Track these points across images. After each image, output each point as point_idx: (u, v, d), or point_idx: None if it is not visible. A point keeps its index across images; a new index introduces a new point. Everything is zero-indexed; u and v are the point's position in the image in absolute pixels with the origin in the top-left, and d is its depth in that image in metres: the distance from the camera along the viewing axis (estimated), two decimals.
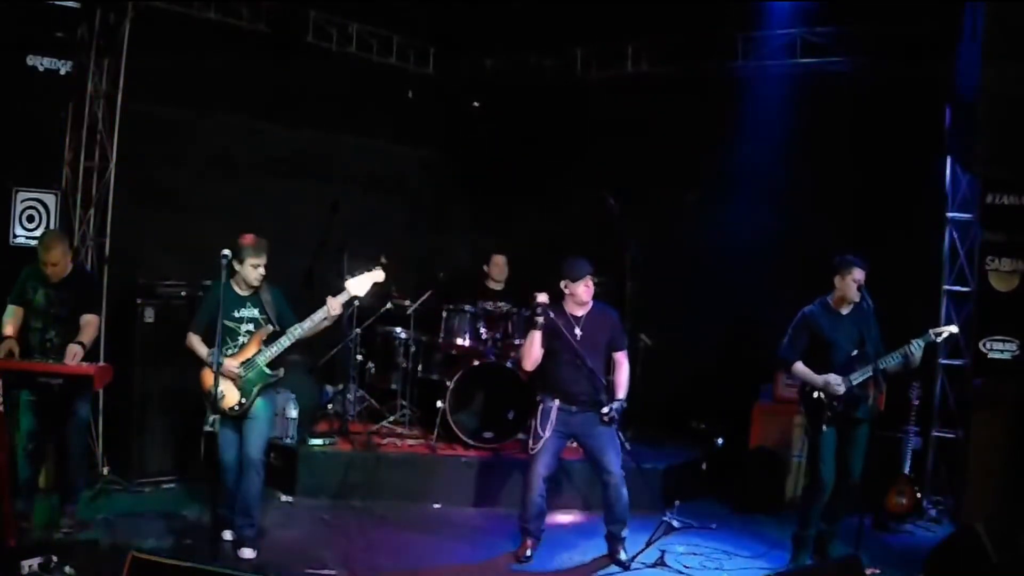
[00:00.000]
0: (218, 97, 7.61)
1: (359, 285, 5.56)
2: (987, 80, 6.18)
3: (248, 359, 5.38)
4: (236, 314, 5.41)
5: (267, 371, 5.41)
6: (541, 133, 8.87)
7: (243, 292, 5.45)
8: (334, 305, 5.41)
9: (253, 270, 5.36)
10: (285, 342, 5.40)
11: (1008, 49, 6.12)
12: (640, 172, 8.29)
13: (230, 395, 5.35)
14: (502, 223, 9.12)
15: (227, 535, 5.52)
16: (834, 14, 7.43)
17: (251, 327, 5.44)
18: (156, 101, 7.14)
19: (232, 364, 5.32)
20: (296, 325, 5.42)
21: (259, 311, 5.46)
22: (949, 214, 7.01)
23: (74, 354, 5.26)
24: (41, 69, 6.36)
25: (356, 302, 6.92)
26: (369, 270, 5.61)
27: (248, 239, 5.39)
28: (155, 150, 7.28)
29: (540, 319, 5.53)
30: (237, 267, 5.36)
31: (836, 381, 5.44)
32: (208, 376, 5.27)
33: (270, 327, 5.44)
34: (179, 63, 7.11)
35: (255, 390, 5.39)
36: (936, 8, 6.77)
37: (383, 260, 7.56)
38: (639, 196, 7.90)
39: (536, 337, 5.57)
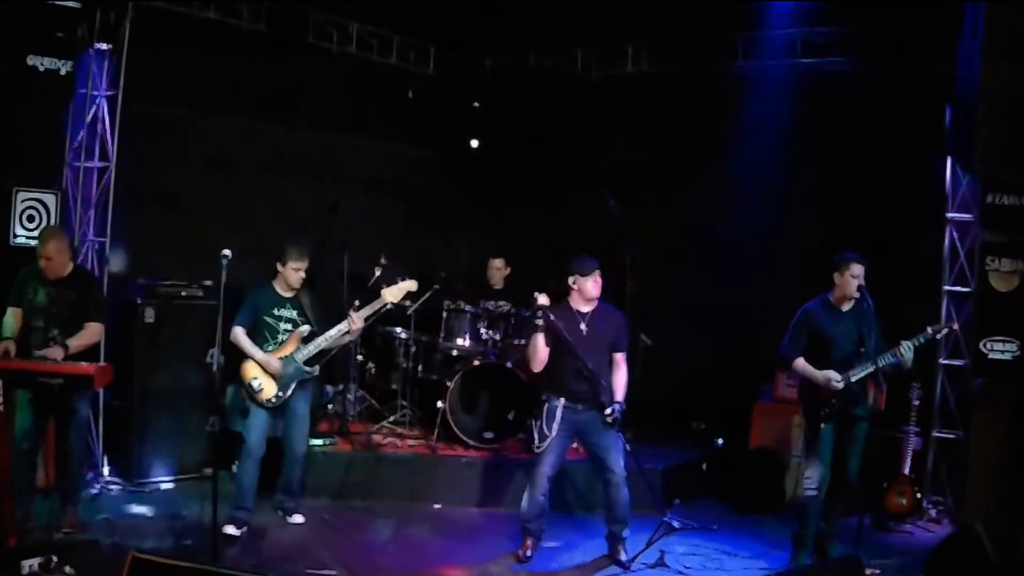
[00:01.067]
0: (218, 97, 7.61)
1: (394, 293, 5.97)
2: (987, 80, 6.18)
3: (286, 355, 5.78)
4: (276, 313, 5.85)
5: (304, 368, 5.81)
6: (541, 133, 8.87)
7: (284, 293, 5.88)
8: (355, 320, 5.84)
9: (294, 273, 5.79)
10: (322, 343, 5.82)
11: (1008, 49, 6.12)
12: (640, 172, 8.29)
13: (268, 388, 5.74)
14: (502, 223, 9.13)
15: (229, 529, 5.58)
16: (834, 14, 7.43)
17: (289, 327, 5.85)
18: (156, 101, 7.14)
19: (273, 360, 5.73)
20: (322, 335, 5.83)
21: (298, 313, 5.89)
22: (949, 214, 7.01)
23: (54, 356, 5.19)
24: (41, 69, 6.36)
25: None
26: (403, 279, 6.01)
27: (292, 244, 5.83)
28: (155, 150, 7.28)
29: (539, 321, 5.54)
30: (280, 269, 5.82)
31: (836, 378, 5.45)
32: (248, 368, 5.75)
33: (307, 327, 5.84)
34: (179, 63, 7.10)
35: (293, 384, 5.78)
36: (936, 8, 6.77)
37: (383, 260, 7.62)
38: (639, 196, 7.90)
39: (539, 339, 5.57)
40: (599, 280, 5.64)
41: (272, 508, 6.04)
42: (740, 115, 7.80)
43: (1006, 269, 6.78)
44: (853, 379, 5.45)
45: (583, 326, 5.58)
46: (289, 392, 5.78)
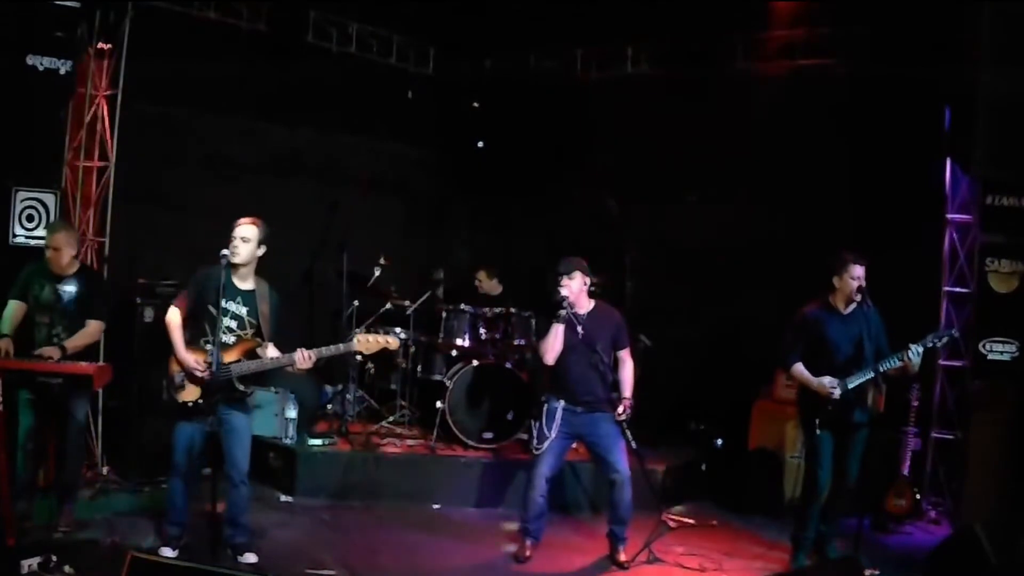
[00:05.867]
0: (218, 97, 7.61)
1: (368, 345, 5.19)
2: (987, 81, 6.18)
3: (225, 364, 5.03)
4: (223, 304, 5.05)
5: (236, 384, 5.06)
6: (541, 133, 8.87)
7: (239, 284, 5.16)
8: (305, 359, 5.05)
9: (235, 240, 5.10)
10: (267, 364, 5.08)
11: (1008, 51, 6.13)
12: (640, 172, 8.30)
13: (190, 388, 5.08)
14: (502, 223, 9.13)
15: (165, 552, 5.18)
16: (834, 15, 7.43)
17: (234, 324, 5.11)
18: (156, 101, 7.15)
19: (190, 360, 5.04)
20: (265, 358, 5.10)
21: (248, 311, 5.15)
22: (949, 215, 7.02)
23: (49, 355, 5.19)
24: (41, 69, 6.35)
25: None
26: (387, 334, 5.23)
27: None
28: (155, 150, 7.28)
29: (563, 312, 5.52)
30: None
31: (832, 384, 5.40)
32: (174, 362, 5.10)
33: (253, 337, 5.16)
34: (179, 63, 7.10)
35: (218, 396, 5.02)
36: (936, 9, 6.77)
37: (382, 260, 7.61)
38: (639, 196, 7.91)
39: (559, 331, 5.55)
40: (566, 283, 5.55)
41: (224, 540, 5.23)
42: (740, 115, 7.80)
43: (1005, 270, 6.78)
44: (851, 385, 5.40)
45: (579, 328, 5.58)
46: (211, 401, 4.99)
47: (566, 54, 8.92)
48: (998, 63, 6.21)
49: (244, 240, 5.12)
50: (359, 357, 7.53)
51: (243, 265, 5.15)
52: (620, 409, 5.51)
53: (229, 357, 5.08)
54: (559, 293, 5.54)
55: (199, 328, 5.13)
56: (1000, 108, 6.21)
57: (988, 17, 6.34)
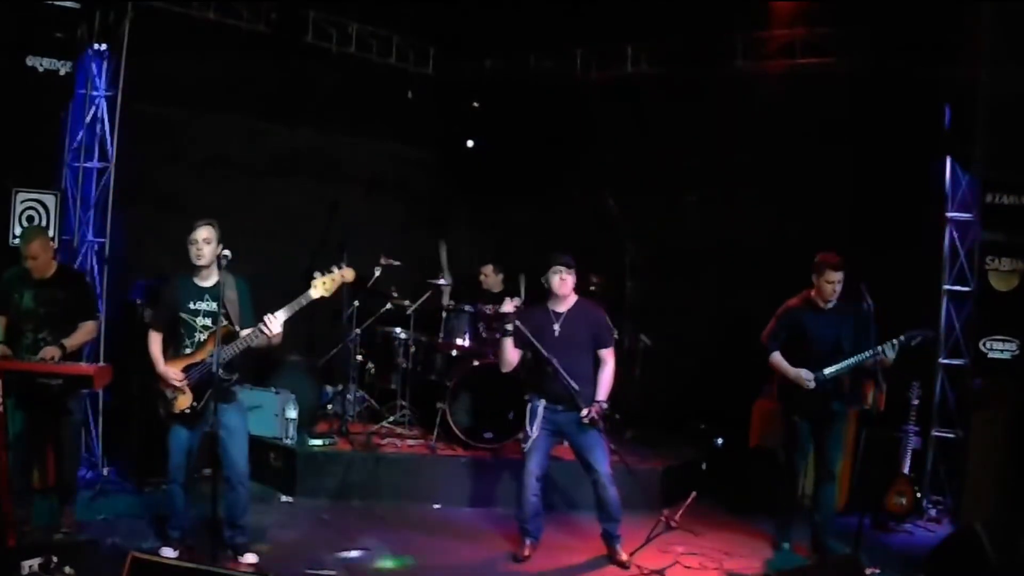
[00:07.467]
0: (218, 97, 7.61)
1: (327, 286, 5.14)
2: (987, 81, 6.18)
3: (200, 361, 5.10)
4: (192, 306, 5.14)
5: (221, 374, 5.03)
6: (541, 133, 8.87)
7: (202, 283, 5.19)
8: (272, 324, 5.02)
9: (199, 244, 5.15)
10: (241, 345, 5.07)
11: (1009, 50, 6.13)
12: (640, 172, 8.30)
13: (182, 397, 5.14)
14: (502, 223, 9.13)
15: (166, 552, 5.25)
16: (834, 14, 7.43)
17: (207, 321, 5.12)
18: (156, 101, 7.15)
19: (173, 372, 5.09)
20: (240, 338, 5.09)
21: (218, 305, 5.09)
22: (949, 214, 7.01)
23: (50, 355, 5.18)
24: (41, 69, 6.37)
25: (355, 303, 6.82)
26: (339, 267, 5.20)
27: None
28: (155, 150, 7.29)
29: (508, 326, 5.62)
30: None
31: (808, 377, 5.56)
32: (161, 380, 5.16)
33: (227, 325, 5.09)
34: (179, 63, 7.11)
35: (208, 393, 5.07)
36: (936, 9, 6.77)
37: (383, 260, 7.61)
38: (639, 196, 7.90)
39: (506, 343, 5.65)
40: (565, 278, 5.60)
41: (224, 541, 5.26)
42: (740, 115, 7.80)
43: (1006, 268, 6.79)
44: (827, 375, 5.54)
45: (556, 327, 5.60)
46: (205, 400, 5.07)
47: (566, 54, 8.92)
48: (998, 63, 6.20)
49: (207, 242, 5.16)
50: (357, 345, 7.47)
51: (206, 267, 5.19)
52: (584, 412, 5.50)
53: (205, 350, 5.11)
54: (502, 307, 5.59)
55: (176, 336, 5.17)
56: (1000, 108, 6.21)
57: (988, 17, 6.34)
